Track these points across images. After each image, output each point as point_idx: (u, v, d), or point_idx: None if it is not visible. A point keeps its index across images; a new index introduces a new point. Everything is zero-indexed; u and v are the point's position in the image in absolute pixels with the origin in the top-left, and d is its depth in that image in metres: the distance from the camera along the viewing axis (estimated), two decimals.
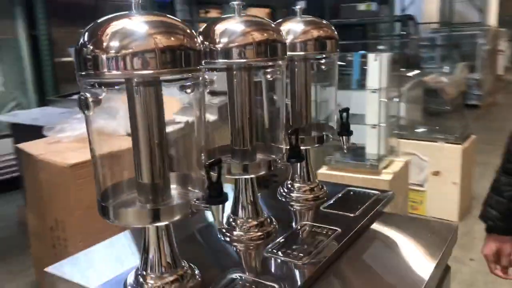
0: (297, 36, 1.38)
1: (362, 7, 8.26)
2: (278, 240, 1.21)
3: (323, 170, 2.82)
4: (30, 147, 2.56)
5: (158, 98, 0.91)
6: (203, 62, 0.92)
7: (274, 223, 1.28)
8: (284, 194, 1.52)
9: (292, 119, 1.50)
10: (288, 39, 1.36)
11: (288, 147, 1.15)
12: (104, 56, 0.80)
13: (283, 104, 1.27)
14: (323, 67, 1.50)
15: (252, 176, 1.20)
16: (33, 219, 2.65)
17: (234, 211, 1.25)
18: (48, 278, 1.10)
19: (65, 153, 2.41)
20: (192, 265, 1.04)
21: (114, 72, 0.81)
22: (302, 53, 1.39)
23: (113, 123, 2.17)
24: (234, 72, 1.16)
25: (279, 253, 1.14)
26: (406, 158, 3.19)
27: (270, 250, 1.16)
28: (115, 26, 0.83)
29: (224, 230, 1.23)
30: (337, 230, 1.26)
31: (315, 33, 1.39)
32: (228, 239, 1.22)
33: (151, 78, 0.88)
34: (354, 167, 2.71)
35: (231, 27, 1.11)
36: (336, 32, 1.44)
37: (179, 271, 0.99)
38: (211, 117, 3.01)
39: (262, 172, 1.17)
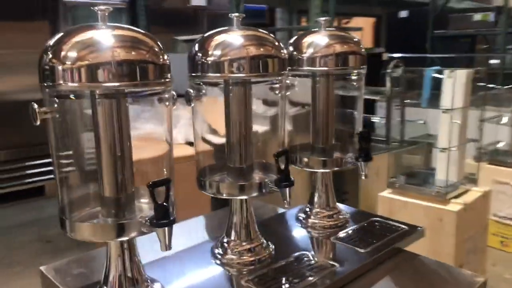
0: (318, 50, 1.28)
1: (478, 17, 7.61)
2: (263, 270, 1.12)
3: (385, 193, 2.61)
4: None
5: (124, 111, 0.90)
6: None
7: (271, 249, 1.20)
8: (301, 218, 1.42)
9: (312, 139, 1.40)
10: (308, 53, 1.28)
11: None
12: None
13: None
14: (353, 83, 1.39)
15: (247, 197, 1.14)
16: None
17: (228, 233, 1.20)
18: None
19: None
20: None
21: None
22: (323, 69, 1.29)
23: (173, 131, 2.23)
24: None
25: (256, 283, 1.05)
26: (494, 188, 2.84)
27: (251, 279, 1.08)
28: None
29: (217, 253, 1.18)
30: (334, 265, 1.14)
31: (338, 47, 1.28)
32: (218, 262, 1.16)
33: (113, 90, 0.86)
34: (419, 193, 2.47)
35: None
36: (362, 47, 1.31)
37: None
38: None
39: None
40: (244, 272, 1.12)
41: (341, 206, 1.47)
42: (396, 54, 3.40)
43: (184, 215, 1.30)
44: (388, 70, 3.01)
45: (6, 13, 4.29)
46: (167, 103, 0.95)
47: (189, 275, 1.12)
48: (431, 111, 2.90)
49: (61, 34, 0.83)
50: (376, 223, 1.41)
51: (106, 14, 0.88)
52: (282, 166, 1.04)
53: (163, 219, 0.83)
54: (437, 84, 2.58)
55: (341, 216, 1.42)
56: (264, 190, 1.11)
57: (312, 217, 1.40)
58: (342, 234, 1.33)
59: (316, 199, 1.42)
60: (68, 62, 0.80)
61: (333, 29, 1.33)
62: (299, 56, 1.28)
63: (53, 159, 0.88)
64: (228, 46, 1.06)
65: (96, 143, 0.89)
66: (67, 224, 0.89)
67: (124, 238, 0.91)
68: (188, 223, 1.46)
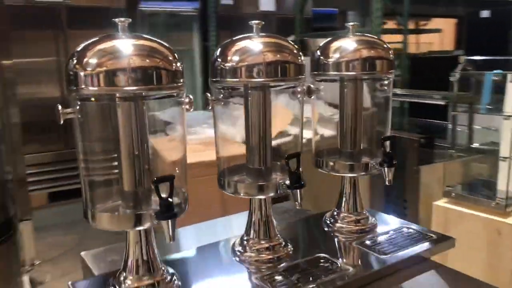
0: (344, 55, 1.30)
1: None
2: (279, 268, 1.16)
3: (440, 202, 2.50)
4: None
5: (140, 112, 0.98)
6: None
7: (289, 249, 1.23)
8: (328, 222, 1.43)
9: (340, 143, 1.41)
10: (334, 58, 1.30)
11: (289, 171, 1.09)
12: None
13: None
14: (384, 88, 1.38)
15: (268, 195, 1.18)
16: None
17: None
18: None
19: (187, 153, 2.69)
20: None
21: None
22: (347, 73, 1.30)
23: (233, 130, 2.34)
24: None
25: (266, 280, 1.09)
26: None
27: (263, 276, 1.12)
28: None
29: (237, 251, 1.23)
30: (348, 269, 1.14)
31: (364, 52, 1.28)
32: (238, 259, 1.22)
33: (131, 94, 0.95)
34: (476, 203, 2.34)
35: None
36: (390, 52, 1.30)
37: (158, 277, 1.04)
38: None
39: None
40: (263, 269, 1.16)
41: (370, 211, 1.46)
42: (476, 57, 3.24)
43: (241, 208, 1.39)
44: (455, 74, 2.88)
45: (89, 22, 4.67)
46: (182, 106, 1.02)
47: (207, 269, 1.19)
48: (495, 118, 2.73)
49: (85, 43, 0.94)
50: (405, 230, 1.38)
51: (126, 25, 0.97)
52: (294, 168, 1.07)
53: (166, 212, 0.90)
54: (502, 89, 2.44)
55: (369, 221, 1.41)
56: (278, 191, 1.15)
57: (339, 221, 1.41)
58: (366, 239, 1.33)
59: (343, 203, 1.42)
60: (89, 69, 0.90)
61: (362, 34, 1.33)
62: (325, 61, 1.30)
63: (78, 156, 0.99)
64: (246, 53, 1.11)
65: (115, 143, 0.98)
66: (89, 214, 0.99)
67: (140, 228, 0.99)
68: (218, 221, 1.53)
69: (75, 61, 0.92)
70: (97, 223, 0.98)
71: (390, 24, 8.59)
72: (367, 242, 1.30)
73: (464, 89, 3.09)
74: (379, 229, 1.39)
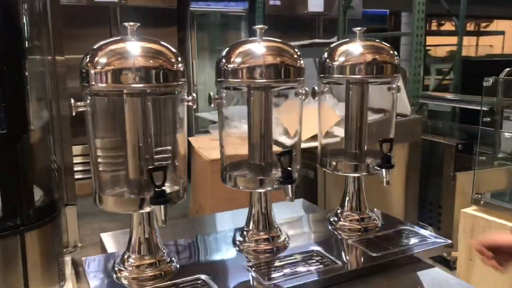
0: (349, 59, 1.35)
1: None
2: (273, 257, 1.23)
3: (469, 209, 2.46)
4: (196, 140, 3.04)
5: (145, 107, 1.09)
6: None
7: (286, 241, 1.30)
8: (332, 220, 1.48)
9: (345, 144, 1.46)
10: (338, 62, 1.35)
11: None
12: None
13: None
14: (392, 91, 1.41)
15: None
16: (191, 201, 3.14)
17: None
18: None
19: (214, 149, 2.79)
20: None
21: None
22: (351, 76, 1.35)
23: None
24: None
25: (254, 269, 1.17)
26: None
27: (252, 264, 1.20)
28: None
29: (237, 241, 1.32)
30: (337, 263, 1.20)
31: (368, 56, 1.33)
32: (237, 248, 1.30)
33: (138, 90, 1.06)
34: (505, 212, 2.28)
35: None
36: (395, 57, 1.33)
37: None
38: None
39: None
40: (260, 258, 1.24)
41: (375, 211, 1.50)
42: None
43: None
44: (489, 79, 2.81)
45: (143, 21, 4.91)
46: (184, 103, 1.11)
47: (206, 255, 1.29)
48: None
49: (98, 44, 1.06)
50: (405, 231, 1.41)
51: (134, 29, 1.08)
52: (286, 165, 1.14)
53: (159, 198, 1.00)
54: None
55: (371, 221, 1.45)
56: (275, 186, 1.22)
57: (342, 219, 1.46)
58: (363, 237, 1.37)
59: (347, 202, 1.47)
60: (99, 67, 1.02)
61: (369, 39, 1.37)
62: (330, 64, 1.35)
63: (90, 145, 1.12)
64: (248, 55, 1.19)
65: (122, 135, 1.10)
66: (97, 198, 1.11)
67: (141, 211, 1.10)
68: (233, 212, 1.62)
69: (87, 60, 1.04)
70: (103, 206, 1.10)
71: (448, 26, 8.32)
72: (363, 239, 1.35)
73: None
74: (381, 229, 1.42)
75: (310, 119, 3.06)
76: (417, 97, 3.45)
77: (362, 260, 1.24)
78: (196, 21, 5.39)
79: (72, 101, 1.04)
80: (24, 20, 2.36)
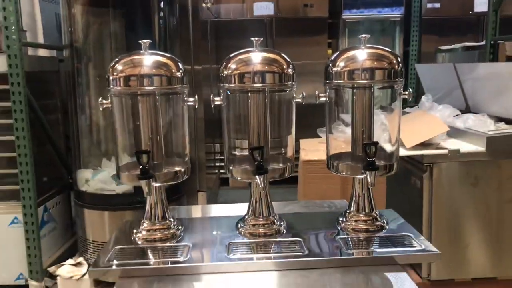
0: (347, 65, 1.42)
1: None
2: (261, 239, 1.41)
3: None
4: (304, 143, 3.23)
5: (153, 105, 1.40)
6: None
7: (282, 228, 1.46)
8: (339, 220, 1.55)
9: (352, 145, 1.52)
10: (338, 68, 1.44)
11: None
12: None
13: None
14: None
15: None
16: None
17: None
18: None
19: (315, 151, 2.95)
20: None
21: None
22: (347, 82, 1.42)
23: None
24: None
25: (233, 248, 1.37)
26: None
27: (234, 242, 1.40)
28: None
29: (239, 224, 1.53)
30: (305, 253, 1.31)
31: (367, 63, 1.38)
32: (237, 231, 1.51)
33: (145, 91, 1.38)
34: None
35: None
36: (395, 63, 1.36)
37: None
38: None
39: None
40: (252, 239, 1.43)
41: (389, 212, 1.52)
42: None
43: None
44: None
45: (296, 31, 5.29)
46: (184, 104, 1.39)
47: (208, 232, 1.53)
48: None
49: (118, 57, 1.40)
50: (404, 238, 1.41)
51: (147, 45, 1.39)
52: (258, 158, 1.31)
53: (143, 174, 1.29)
54: None
55: (376, 223, 1.48)
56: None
57: (347, 219, 1.52)
58: (353, 236, 1.43)
59: (353, 204, 1.52)
60: (115, 74, 1.37)
61: (372, 46, 1.42)
62: (330, 70, 1.44)
63: (114, 135, 1.47)
64: (241, 63, 1.39)
65: (136, 127, 1.42)
66: (118, 174, 1.47)
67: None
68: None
69: (109, 68, 1.40)
70: (121, 180, 1.45)
71: None
72: (348, 238, 1.41)
73: None
74: (383, 231, 1.45)
75: (421, 127, 2.99)
76: None
77: (332, 253, 1.32)
78: (348, 28, 5.51)
79: (100, 99, 1.41)
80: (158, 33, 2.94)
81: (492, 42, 3.94)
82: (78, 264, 2.87)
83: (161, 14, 3.02)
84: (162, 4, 3.02)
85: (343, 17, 5.43)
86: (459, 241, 2.84)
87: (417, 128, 2.97)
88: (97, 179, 2.91)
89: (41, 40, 3.63)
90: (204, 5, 3.76)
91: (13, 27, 2.63)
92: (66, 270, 2.82)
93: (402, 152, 2.83)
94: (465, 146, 2.83)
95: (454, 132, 3.09)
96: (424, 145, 2.86)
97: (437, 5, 5.48)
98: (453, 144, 2.90)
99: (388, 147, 1.55)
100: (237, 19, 5.31)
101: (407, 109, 3.97)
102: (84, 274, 2.77)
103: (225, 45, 5.12)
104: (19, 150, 2.75)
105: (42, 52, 3.61)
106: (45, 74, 3.29)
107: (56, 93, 3.42)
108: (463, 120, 3.14)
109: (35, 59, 3.30)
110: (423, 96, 3.56)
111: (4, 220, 2.93)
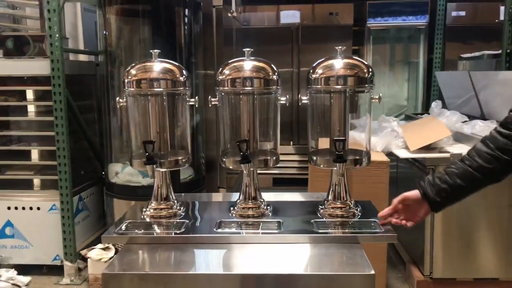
0: (324, 72, 1.65)
1: None
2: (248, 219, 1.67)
3: None
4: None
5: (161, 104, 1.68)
6: None
7: (268, 211, 1.71)
8: (319, 207, 1.76)
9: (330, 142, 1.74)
10: (316, 74, 1.66)
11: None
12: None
13: None
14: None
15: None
16: None
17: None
18: None
19: None
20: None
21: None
22: (322, 87, 1.65)
23: (374, 138, 2.84)
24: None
25: (229, 225, 1.63)
26: None
27: (223, 221, 1.65)
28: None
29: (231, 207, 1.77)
30: (279, 231, 1.55)
31: (341, 71, 1.61)
32: (229, 213, 1.76)
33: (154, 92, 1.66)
34: None
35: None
36: (365, 71, 1.59)
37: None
38: None
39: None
40: (242, 220, 1.68)
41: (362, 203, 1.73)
42: None
43: None
44: None
45: (321, 38, 5.49)
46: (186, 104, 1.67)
47: (205, 213, 1.79)
48: None
49: (132, 64, 1.68)
50: (370, 223, 1.62)
51: (156, 53, 1.67)
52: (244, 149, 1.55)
53: (148, 160, 1.57)
54: None
55: (350, 210, 1.70)
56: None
57: (325, 206, 1.74)
58: (326, 220, 1.65)
59: (331, 192, 1.74)
60: (129, 77, 1.66)
61: (350, 56, 1.65)
62: (309, 77, 1.67)
63: (128, 129, 1.76)
64: (233, 70, 1.65)
65: (146, 122, 1.70)
66: (131, 162, 1.75)
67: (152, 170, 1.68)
68: None
69: (125, 73, 1.68)
70: (134, 166, 1.74)
71: None
72: (322, 221, 1.63)
73: None
74: (355, 217, 1.67)
75: (425, 132, 3.16)
76: None
77: (302, 232, 1.55)
78: (372, 35, 5.67)
79: (118, 98, 1.70)
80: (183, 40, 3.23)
81: (508, 51, 4.03)
82: (106, 249, 3.19)
83: (186, 22, 3.32)
84: (187, 13, 3.32)
85: (368, 25, 5.58)
86: (462, 241, 2.96)
87: (421, 133, 3.13)
88: (125, 172, 3.24)
89: (81, 46, 4.03)
90: (229, 14, 4.04)
91: (56, 35, 2.99)
92: (95, 253, 3.14)
93: (407, 154, 3.00)
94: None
95: (461, 137, 3.23)
96: (429, 148, 3.02)
97: (462, 13, 5.56)
98: (458, 148, 3.04)
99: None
100: (264, 26, 5.57)
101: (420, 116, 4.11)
102: (111, 258, 3.09)
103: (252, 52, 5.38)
104: (58, 144, 3.11)
105: (82, 57, 4.00)
106: (83, 77, 3.67)
107: (93, 94, 3.80)
108: (471, 126, 3.27)
109: (75, 64, 3.69)
110: (433, 103, 3.70)
111: (44, 207, 3.30)
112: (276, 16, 5.57)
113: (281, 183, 5.49)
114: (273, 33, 5.53)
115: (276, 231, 1.55)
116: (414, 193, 1.51)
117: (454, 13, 5.51)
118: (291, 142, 5.51)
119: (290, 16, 5.57)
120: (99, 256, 3.13)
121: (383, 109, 5.60)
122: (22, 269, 3.26)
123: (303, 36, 5.52)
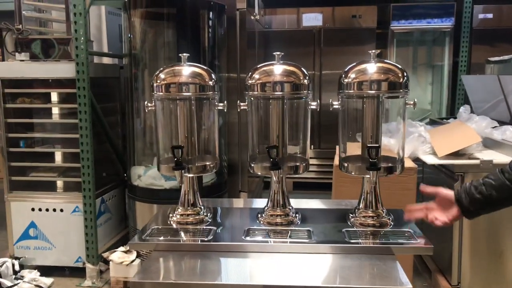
0: (357, 77, 1.60)
1: None
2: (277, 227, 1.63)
3: None
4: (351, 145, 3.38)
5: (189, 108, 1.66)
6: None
7: (297, 219, 1.67)
8: (350, 215, 1.71)
9: (361, 148, 1.69)
10: (349, 79, 1.61)
11: None
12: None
13: None
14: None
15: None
16: None
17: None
18: None
19: None
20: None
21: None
22: (355, 92, 1.60)
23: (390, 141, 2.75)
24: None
25: (252, 232, 1.59)
26: None
27: (251, 229, 1.62)
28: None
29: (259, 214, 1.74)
30: (310, 240, 1.50)
31: (375, 76, 1.56)
32: (258, 220, 1.72)
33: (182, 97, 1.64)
34: None
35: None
36: (400, 76, 1.53)
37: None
38: None
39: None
40: (270, 228, 1.64)
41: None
42: None
43: None
44: None
45: (343, 41, 5.43)
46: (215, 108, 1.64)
47: (233, 220, 1.76)
48: None
49: (161, 68, 1.66)
50: (404, 233, 1.56)
51: (186, 57, 1.65)
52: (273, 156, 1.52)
53: (177, 165, 1.54)
54: None
55: (382, 219, 1.64)
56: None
57: (356, 215, 1.69)
58: (358, 229, 1.60)
59: (362, 201, 1.69)
60: (158, 81, 1.63)
61: (383, 60, 1.59)
62: (341, 81, 1.63)
63: (156, 133, 1.74)
64: (263, 74, 1.61)
65: (174, 127, 1.68)
66: (159, 167, 1.73)
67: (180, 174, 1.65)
68: None
69: (154, 77, 1.66)
70: (161, 171, 1.71)
71: None
72: (353, 231, 1.58)
73: None
74: (388, 227, 1.61)
75: (454, 137, 3.08)
76: None
77: (333, 241, 1.50)
78: (396, 38, 5.58)
79: (146, 102, 1.68)
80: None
81: None
82: (128, 252, 3.18)
83: (210, 25, 3.30)
84: (211, 16, 3.30)
85: (391, 27, 5.51)
86: (492, 251, 2.87)
87: (450, 138, 3.04)
88: (148, 175, 3.23)
89: (105, 49, 4.04)
90: (252, 17, 4.02)
91: (82, 39, 3.00)
92: (117, 255, 3.14)
93: (434, 160, 2.92)
94: (500, 157, 2.87)
95: (491, 143, 3.13)
96: (458, 155, 2.94)
97: (490, 15, 5.43)
98: (488, 154, 2.94)
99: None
100: (286, 29, 5.54)
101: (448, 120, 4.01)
102: (133, 261, 3.08)
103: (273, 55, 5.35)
104: (82, 147, 3.12)
105: (106, 60, 4.02)
106: (107, 80, 3.68)
107: (116, 97, 3.80)
108: (501, 132, 3.17)
109: (99, 66, 3.70)
110: (461, 107, 3.60)
111: (67, 209, 3.31)
112: (297, 19, 5.54)
113: (301, 187, 5.46)
114: (295, 35, 5.50)
115: (307, 240, 1.51)
116: (450, 193, 1.47)
117: (481, 16, 5.39)
118: (312, 146, 5.45)
119: (312, 18, 5.52)
120: (121, 259, 3.12)
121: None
122: (45, 271, 3.28)
123: (325, 39, 5.47)
